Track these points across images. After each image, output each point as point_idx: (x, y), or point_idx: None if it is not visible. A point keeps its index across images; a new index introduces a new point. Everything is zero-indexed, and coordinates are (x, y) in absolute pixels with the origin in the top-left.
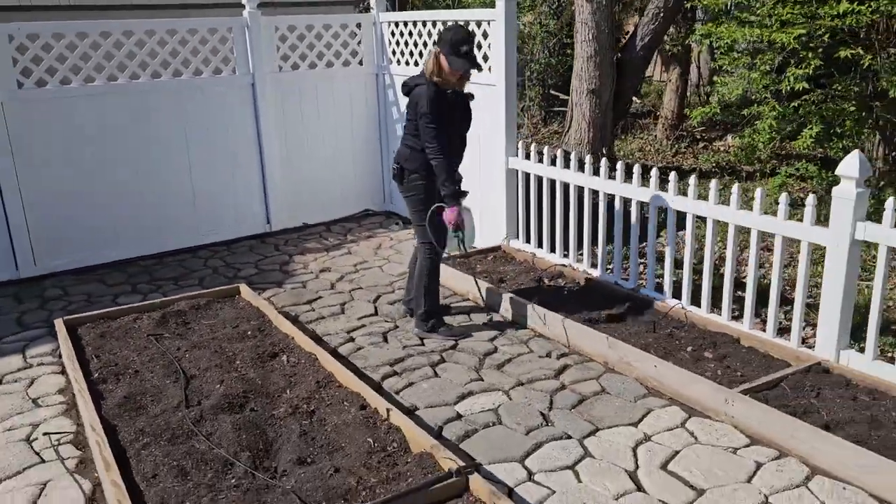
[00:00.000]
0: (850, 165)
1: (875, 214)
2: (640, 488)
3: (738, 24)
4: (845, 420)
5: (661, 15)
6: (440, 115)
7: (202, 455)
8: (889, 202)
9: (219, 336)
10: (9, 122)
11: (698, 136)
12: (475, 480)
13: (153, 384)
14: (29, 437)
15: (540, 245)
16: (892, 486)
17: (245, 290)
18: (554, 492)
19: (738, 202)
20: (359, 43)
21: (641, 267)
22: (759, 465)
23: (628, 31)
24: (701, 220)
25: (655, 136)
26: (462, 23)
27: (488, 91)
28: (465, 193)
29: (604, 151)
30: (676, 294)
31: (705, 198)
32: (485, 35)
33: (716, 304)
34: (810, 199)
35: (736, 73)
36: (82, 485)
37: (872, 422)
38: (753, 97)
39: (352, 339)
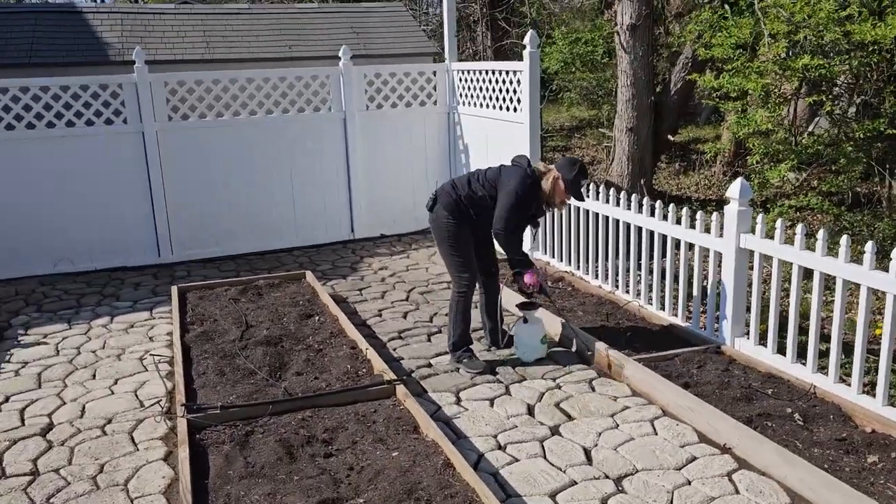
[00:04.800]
0: (734, 189)
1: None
2: (530, 413)
3: (723, 74)
4: (704, 383)
5: (689, 65)
6: (522, 206)
7: (238, 366)
8: (759, 218)
9: (278, 303)
10: (161, 146)
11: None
12: (400, 389)
13: (222, 327)
14: (141, 358)
15: (553, 255)
16: (707, 421)
17: (309, 276)
18: (466, 410)
19: (666, 216)
20: (434, 87)
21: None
22: (625, 408)
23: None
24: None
25: (714, 172)
26: (501, 71)
27: (517, 127)
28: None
29: (642, 183)
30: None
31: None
32: (518, 82)
33: (662, 307)
34: (699, 215)
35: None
36: (167, 384)
37: (723, 385)
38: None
39: (379, 315)
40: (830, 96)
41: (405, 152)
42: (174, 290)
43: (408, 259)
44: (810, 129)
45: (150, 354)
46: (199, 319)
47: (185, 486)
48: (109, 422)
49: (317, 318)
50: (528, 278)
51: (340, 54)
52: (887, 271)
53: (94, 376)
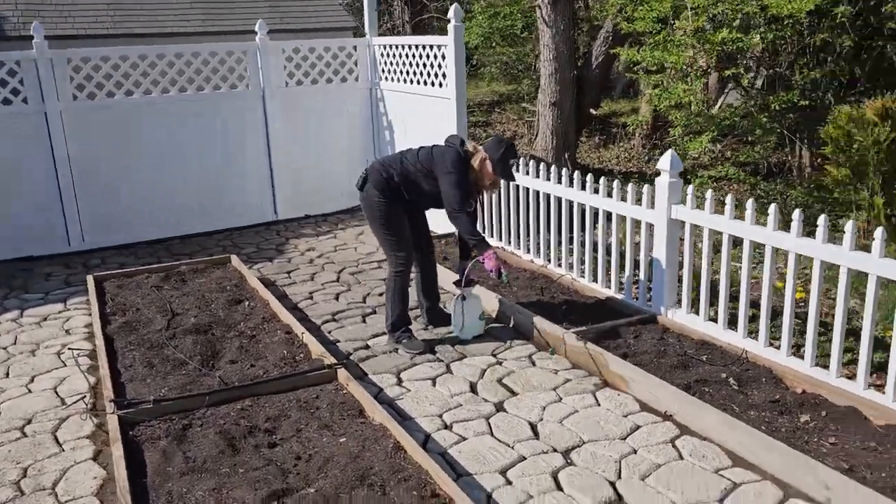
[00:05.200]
0: (665, 161)
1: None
2: (473, 391)
3: (646, 48)
4: (642, 352)
5: (610, 38)
6: (463, 184)
7: (167, 357)
8: (689, 189)
9: (204, 289)
10: (66, 128)
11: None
12: (341, 372)
13: (147, 317)
14: (59, 352)
15: (483, 230)
16: (648, 391)
17: (235, 260)
18: (409, 390)
19: (597, 189)
20: (355, 63)
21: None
22: (566, 380)
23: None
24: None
25: (633, 145)
26: (425, 46)
27: (443, 103)
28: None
29: (566, 157)
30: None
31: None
32: (443, 56)
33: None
34: (630, 188)
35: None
36: (89, 379)
37: (660, 353)
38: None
39: (310, 297)
40: (742, 69)
41: (327, 130)
42: (90, 279)
43: (335, 239)
44: (721, 101)
45: (69, 348)
46: (121, 309)
47: (123, 487)
48: (29, 422)
49: (247, 303)
50: (488, 263)
51: (257, 29)
52: (813, 237)
53: (7, 374)
